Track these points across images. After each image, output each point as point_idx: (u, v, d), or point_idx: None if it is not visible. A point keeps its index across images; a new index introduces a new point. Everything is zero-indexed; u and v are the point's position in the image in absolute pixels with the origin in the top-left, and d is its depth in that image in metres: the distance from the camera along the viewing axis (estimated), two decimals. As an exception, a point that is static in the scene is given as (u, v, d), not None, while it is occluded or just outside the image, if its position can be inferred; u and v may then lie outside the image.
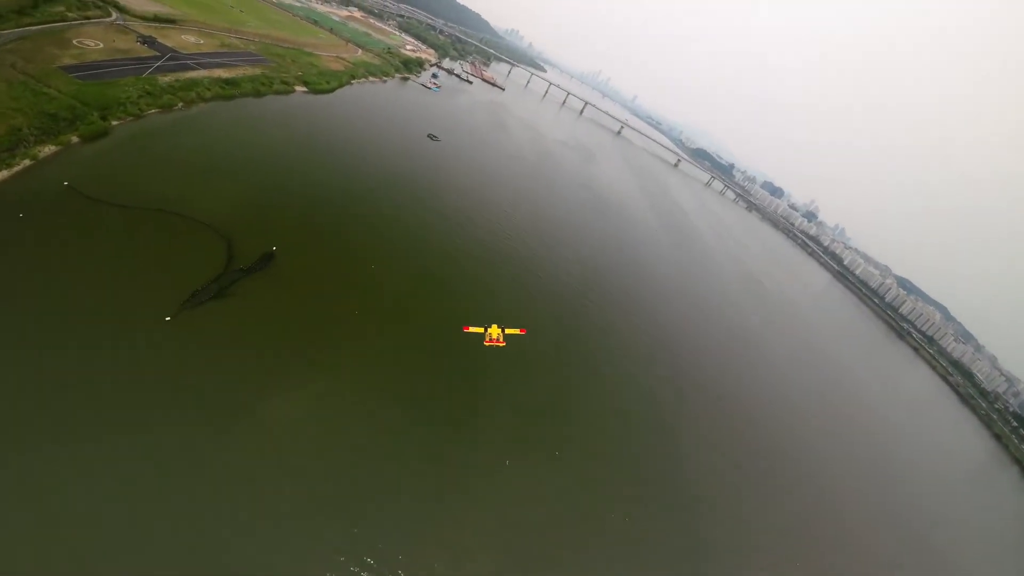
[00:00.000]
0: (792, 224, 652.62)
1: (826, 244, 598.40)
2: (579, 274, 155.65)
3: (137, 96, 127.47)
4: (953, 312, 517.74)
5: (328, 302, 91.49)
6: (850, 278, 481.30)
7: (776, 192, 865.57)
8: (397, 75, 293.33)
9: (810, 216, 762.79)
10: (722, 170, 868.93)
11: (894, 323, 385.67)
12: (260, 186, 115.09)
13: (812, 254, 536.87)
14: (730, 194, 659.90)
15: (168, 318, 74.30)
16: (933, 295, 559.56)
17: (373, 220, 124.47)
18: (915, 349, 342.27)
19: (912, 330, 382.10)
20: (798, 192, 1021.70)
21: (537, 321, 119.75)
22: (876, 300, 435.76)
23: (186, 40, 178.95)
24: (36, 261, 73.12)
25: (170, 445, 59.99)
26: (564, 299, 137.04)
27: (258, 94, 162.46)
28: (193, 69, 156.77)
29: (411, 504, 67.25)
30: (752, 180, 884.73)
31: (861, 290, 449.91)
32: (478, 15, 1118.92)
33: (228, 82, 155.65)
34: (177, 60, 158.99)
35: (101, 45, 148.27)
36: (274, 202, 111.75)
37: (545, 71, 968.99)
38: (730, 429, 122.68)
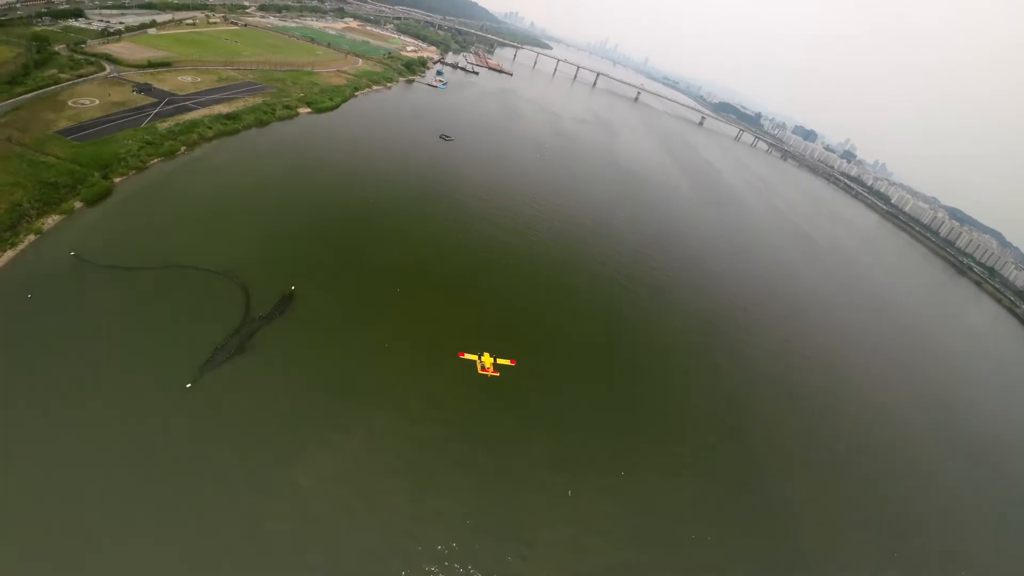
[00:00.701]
0: (831, 167, 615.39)
1: (869, 184, 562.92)
2: (621, 265, 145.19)
3: (138, 148, 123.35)
4: (1009, 237, 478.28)
5: (353, 339, 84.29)
6: (901, 217, 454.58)
7: (809, 136, 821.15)
8: (401, 79, 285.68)
9: (848, 156, 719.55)
10: (749, 121, 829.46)
11: (953, 258, 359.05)
12: (271, 222, 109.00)
13: (857, 196, 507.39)
14: (762, 145, 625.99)
15: (188, 385, 68.58)
16: (985, 222, 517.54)
17: (392, 239, 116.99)
18: (978, 284, 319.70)
19: (972, 264, 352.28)
20: (832, 133, 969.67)
21: (578, 329, 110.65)
22: (930, 236, 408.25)
23: (183, 81, 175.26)
24: (48, 341, 68.63)
25: (195, 528, 53.80)
26: (608, 296, 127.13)
27: (262, 123, 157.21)
28: (192, 110, 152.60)
29: (470, 569, 59.29)
30: (782, 127, 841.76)
31: (914, 228, 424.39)
32: (475, 3, 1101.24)
33: (229, 117, 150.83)
34: (175, 103, 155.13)
35: (97, 102, 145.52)
36: (287, 236, 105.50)
37: (551, 48, 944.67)
38: (809, 420, 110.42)
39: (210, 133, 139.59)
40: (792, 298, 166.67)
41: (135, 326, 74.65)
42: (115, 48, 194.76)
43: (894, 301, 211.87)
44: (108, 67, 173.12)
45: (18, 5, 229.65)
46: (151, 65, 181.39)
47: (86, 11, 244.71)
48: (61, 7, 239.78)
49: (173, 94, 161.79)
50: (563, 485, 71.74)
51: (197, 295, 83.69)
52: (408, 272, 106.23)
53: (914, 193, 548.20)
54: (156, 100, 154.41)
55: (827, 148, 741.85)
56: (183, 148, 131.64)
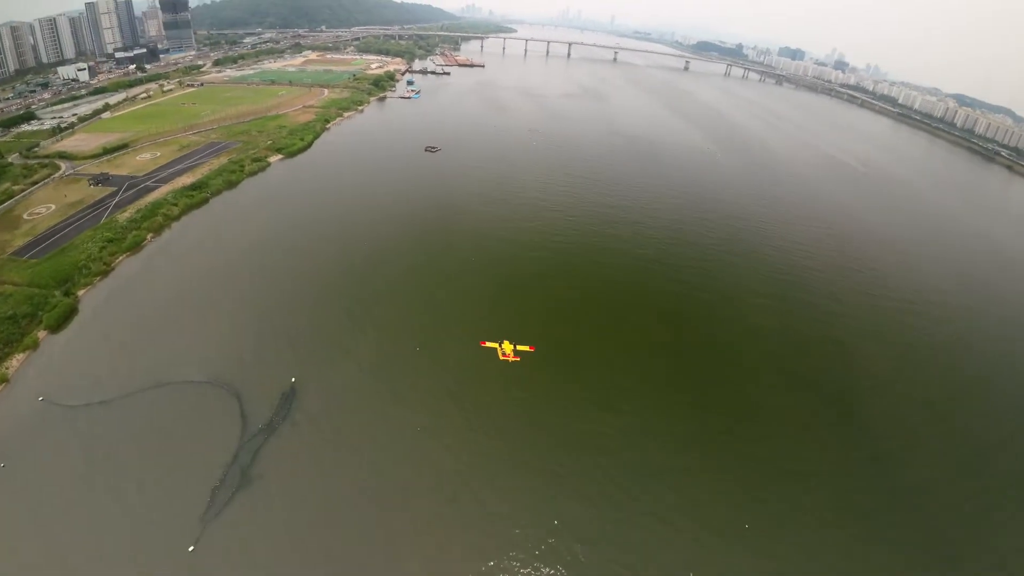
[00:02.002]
0: (829, 81, 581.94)
1: (871, 89, 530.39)
2: (662, 244, 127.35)
3: (99, 249, 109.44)
4: (1020, 112, 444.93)
5: (376, 434, 67.53)
6: (914, 116, 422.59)
7: (797, 55, 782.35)
8: (372, 98, 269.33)
9: (840, 66, 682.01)
10: (733, 54, 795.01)
11: (977, 146, 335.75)
12: (256, 302, 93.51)
13: (864, 104, 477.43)
14: (753, 75, 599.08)
15: (191, 548, 53.34)
16: (992, 101, 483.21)
17: (394, 286, 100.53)
18: (1008, 167, 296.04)
19: (998, 147, 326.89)
20: (817, 48, 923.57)
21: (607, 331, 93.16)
22: (947, 129, 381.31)
23: (141, 160, 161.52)
24: (23, 516, 56.25)
25: None
26: (666, 286, 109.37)
27: (231, 184, 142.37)
28: (154, 189, 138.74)
29: None
30: (767, 52, 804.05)
31: (930, 124, 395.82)
32: (429, 5, 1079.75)
33: (195, 187, 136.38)
34: (135, 186, 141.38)
35: (53, 207, 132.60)
36: (278, 316, 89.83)
37: (515, 31, 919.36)
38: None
39: (176, 211, 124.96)
40: (852, 237, 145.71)
41: (120, 475, 60.95)
42: (69, 143, 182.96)
43: (948, 209, 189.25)
44: (63, 165, 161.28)
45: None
46: (107, 152, 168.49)
47: (38, 112, 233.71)
48: (12, 114, 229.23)
49: (133, 177, 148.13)
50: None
51: (185, 416, 68.87)
52: (423, 323, 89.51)
53: (916, 88, 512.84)
54: (115, 188, 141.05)
55: (818, 63, 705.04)
56: (149, 236, 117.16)
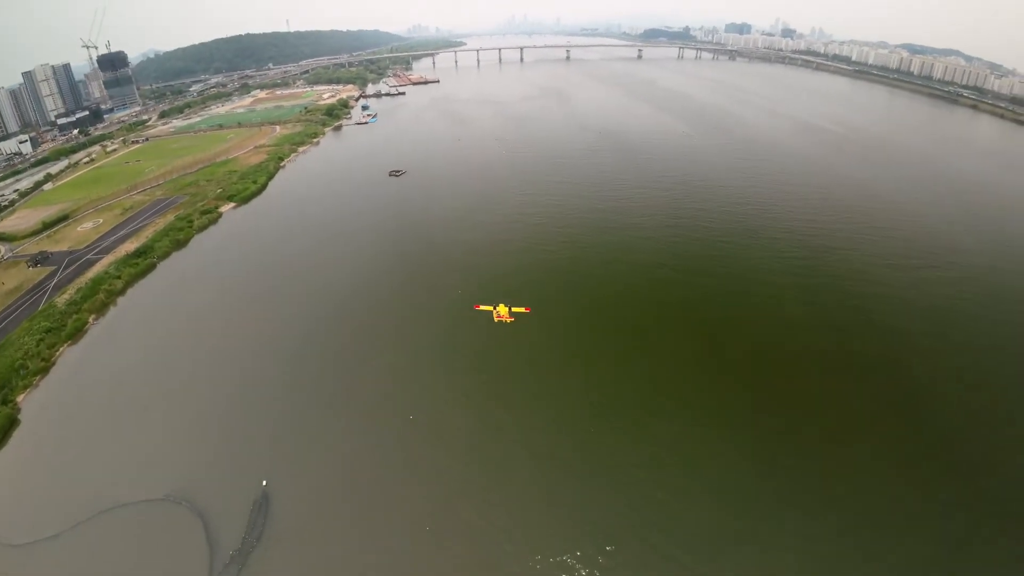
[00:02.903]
0: (780, 50, 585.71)
1: (823, 51, 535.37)
2: (664, 240, 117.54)
3: (37, 343, 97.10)
4: (966, 52, 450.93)
5: (370, 535, 56.01)
6: (872, 71, 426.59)
7: (743, 29, 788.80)
8: (327, 128, 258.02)
9: (787, 34, 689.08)
10: (681, 37, 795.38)
11: (939, 91, 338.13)
12: (214, 386, 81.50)
13: (819, 67, 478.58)
14: (706, 55, 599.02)
15: None
16: (939, 46, 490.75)
17: (372, 340, 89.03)
18: (973, 107, 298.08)
19: (958, 89, 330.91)
20: (760, 18, 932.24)
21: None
22: (905, 79, 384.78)
23: (83, 231, 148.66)
24: None
25: None
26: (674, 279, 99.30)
27: (180, 244, 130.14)
28: (96, 261, 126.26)
29: None
30: (714, 31, 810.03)
31: (887, 77, 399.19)
32: (376, 30, 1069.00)
33: (139, 253, 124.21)
34: (77, 261, 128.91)
35: None
36: (239, 399, 77.89)
37: (466, 44, 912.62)
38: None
39: (120, 283, 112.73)
40: (856, 204, 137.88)
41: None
42: (8, 223, 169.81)
43: (933, 157, 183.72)
44: (2, 249, 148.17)
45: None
46: (47, 227, 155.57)
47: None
48: None
49: (73, 251, 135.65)
50: None
51: (143, 547, 57.31)
52: (412, 385, 77.76)
53: (866, 44, 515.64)
54: (55, 267, 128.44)
55: (765, 34, 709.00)
56: (91, 319, 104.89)
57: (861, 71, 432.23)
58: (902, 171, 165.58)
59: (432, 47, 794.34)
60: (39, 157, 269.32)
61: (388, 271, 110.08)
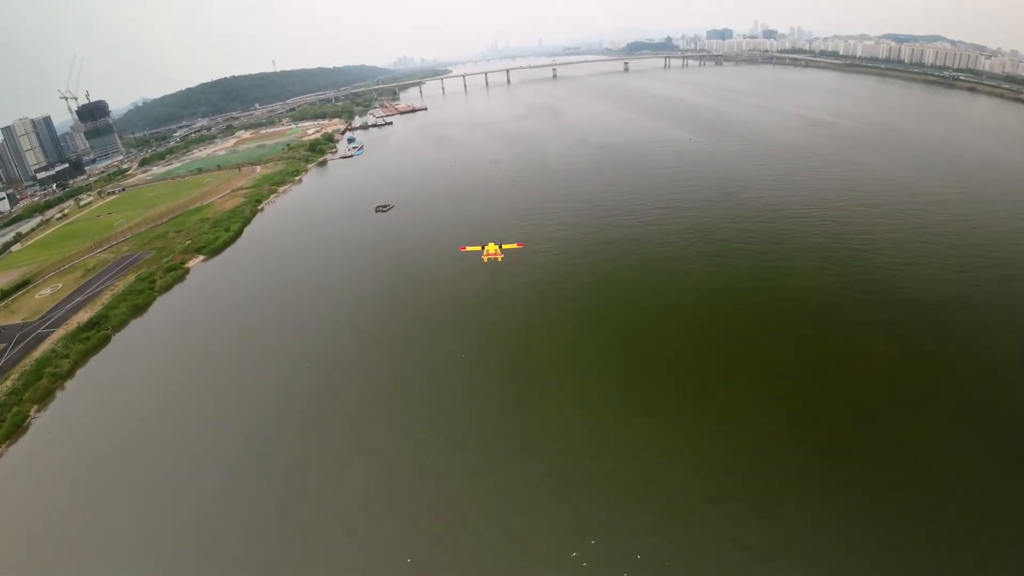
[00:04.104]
0: (766, 51, 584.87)
1: (808, 48, 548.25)
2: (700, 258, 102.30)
3: None
4: (949, 36, 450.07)
5: None
6: (861, 63, 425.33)
7: (725, 34, 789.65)
8: (311, 164, 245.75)
9: (769, 35, 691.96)
10: (664, 48, 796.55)
11: (933, 77, 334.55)
12: (174, 492, 65.69)
13: (808, 64, 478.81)
14: (692, 62, 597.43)
15: None
16: (923, 32, 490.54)
17: (360, 425, 73.30)
18: (971, 89, 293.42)
19: (953, 73, 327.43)
20: (737, 22, 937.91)
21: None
22: (895, 68, 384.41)
23: (40, 298, 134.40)
24: None
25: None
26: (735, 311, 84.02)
27: (138, 309, 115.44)
28: (47, 336, 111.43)
29: None
30: (696, 38, 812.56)
31: (877, 68, 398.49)
32: (362, 65, 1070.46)
33: (92, 324, 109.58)
34: (27, 336, 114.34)
35: None
36: (202, 508, 62.31)
37: (451, 71, 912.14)
38: None
39: (67, 364, 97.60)
40: (889, 198, 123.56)
41: None
42: None
43: (947, 143, 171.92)
44: None
45: None
46: (4, 295, 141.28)
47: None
48: None
49: (26, 324, 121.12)
50: None
51: None
52: (411, 504, 62.01)
53: (851, 37, 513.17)
54: (3, 345, 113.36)
55: (747, 37, 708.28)
56: (33, 410, 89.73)
57: (850, 64, 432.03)
58: (918, 157, 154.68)
59: (418, 77, 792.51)
60: (13, 215, 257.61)
61: (373, 330, 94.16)
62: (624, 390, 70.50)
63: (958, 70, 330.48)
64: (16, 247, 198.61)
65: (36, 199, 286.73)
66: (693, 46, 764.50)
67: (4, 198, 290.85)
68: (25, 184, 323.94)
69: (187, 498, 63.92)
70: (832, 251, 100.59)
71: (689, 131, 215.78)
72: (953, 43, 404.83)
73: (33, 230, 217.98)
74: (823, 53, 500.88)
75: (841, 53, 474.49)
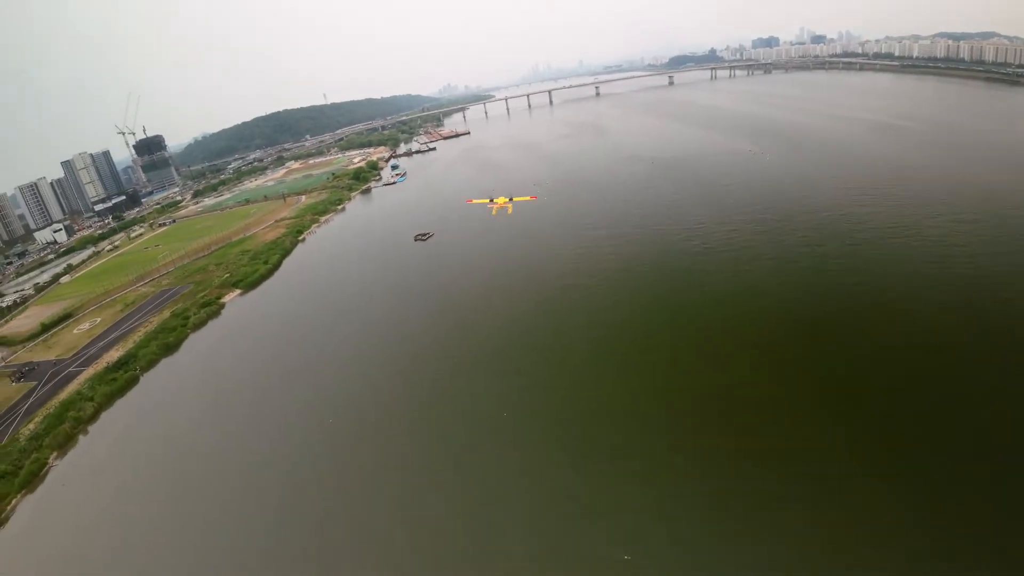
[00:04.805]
0: (816, 56, 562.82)
1: (860, 51, 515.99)
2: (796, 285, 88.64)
3: None
4: (1003, 32, 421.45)
5: None
6: (918, 64, 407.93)
7: (771, 42, 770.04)
8: (354, 193, 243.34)
9: (818, 40, 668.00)
10: (708, 60, 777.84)
11: (996, 74, 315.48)
12: (196, 549, 57.92)
13: (863, 67, 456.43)
14: (740, 72, 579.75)
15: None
16: (973, 30, 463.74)
17: (387, 474, 64.14)
18: None
19: (1016, 70, 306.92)
20: (783, 31, 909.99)
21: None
22: (954, 67, 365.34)
23: (78, 334, 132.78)
24: None
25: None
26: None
27: (169, 348, 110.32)
28: (77, 375, 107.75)
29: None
30: (741, 49, 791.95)
31: (936, 67, 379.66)
32: (408, 94, 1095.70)
33: (120, 364, 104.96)
34: (59, 374, 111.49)
35: None
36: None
37: (494, 96, 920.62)
38: None
39: (91, 408, 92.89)
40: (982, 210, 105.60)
41: None
42: (15, 323, 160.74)
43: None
44: None
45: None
46: (45, 329, 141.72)
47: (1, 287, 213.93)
48: None
49: (59, 361, 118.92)
50: None
51: None
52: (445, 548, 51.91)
53: (905, 37, 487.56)
54: (35, 384, 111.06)
55: (797, 44, 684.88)
56: (52, 457, 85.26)
57: (907, 65, 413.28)
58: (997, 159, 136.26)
59: (462, 103, 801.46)
60: (68, 246, 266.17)
61: (403, 378, 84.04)
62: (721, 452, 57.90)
63: (1021, 66, 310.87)
64: (65, 279, 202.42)
65: (91, 230, 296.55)
66: (738, 56, 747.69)
67: (61, 229, 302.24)
68: (85, 216, 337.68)
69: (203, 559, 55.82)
70: (944, 283, 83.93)
71: (747, 141, 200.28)
72: (1009, 39, 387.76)
73: (83, 262, 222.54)
74: (877, 55, 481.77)
75: (896, 54, 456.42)
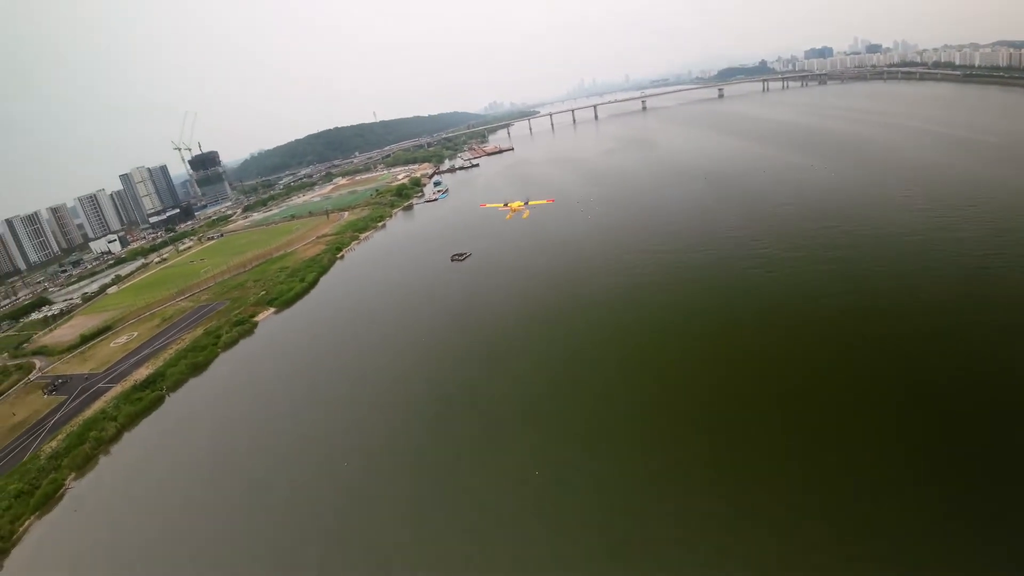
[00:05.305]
0: (873, 66, 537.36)
1: (919, 61, 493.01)
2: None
3: (5, 508, 76.62)
4: None
5: None
6: (979, 73, 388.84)
7: (825, 52, 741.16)
8: (395, 209, 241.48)
9: (873, 49, 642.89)
10: (758, 72, 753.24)
11: None
12: None
13: (922, 77, 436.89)
14: (793, 83, 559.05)
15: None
16: None
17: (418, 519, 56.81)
18: None
19: None
20: (836, 41, 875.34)
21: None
22: (1020, 76, 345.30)
23: (114, 347, 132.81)
24: None
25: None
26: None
27: (197, 368, 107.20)
28: (106, 391, 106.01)
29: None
30: (794, 59, 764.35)
31: (1001, 77, 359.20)
32: (454, 112, 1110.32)
33: (148, 383, 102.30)
34: (88, 390, 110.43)
35: None
36: None
37: (539, 112, 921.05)
38: None
39: (112, 428, 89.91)
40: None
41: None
42: (58, 333, 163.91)
43: None
44: (38, 363, 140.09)
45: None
46: (85, 340, 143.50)
47: (52, 296, 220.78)
48: (28, 301, 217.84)
49: (91, 375, 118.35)
50: None
51: None
52: None
53: (962, 46, 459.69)
54: (65, 398, 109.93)
55: (853, 54, 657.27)
56: (70, 478, 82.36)
57: (969, 75, 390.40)
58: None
59: (506, 119, 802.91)
60: (119, 257, 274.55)
61: (432, 413, 77.13)
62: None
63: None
64: (112, 289, 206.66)
65: (143, 242, 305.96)
66: (790, 67, 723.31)
67: (115, 240, 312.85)
68: (141, 227, 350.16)
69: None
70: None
71: (806, 156, 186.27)
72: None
73: (131, 273, 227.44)
74: (936, 64, 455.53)
75: (958, 63, 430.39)
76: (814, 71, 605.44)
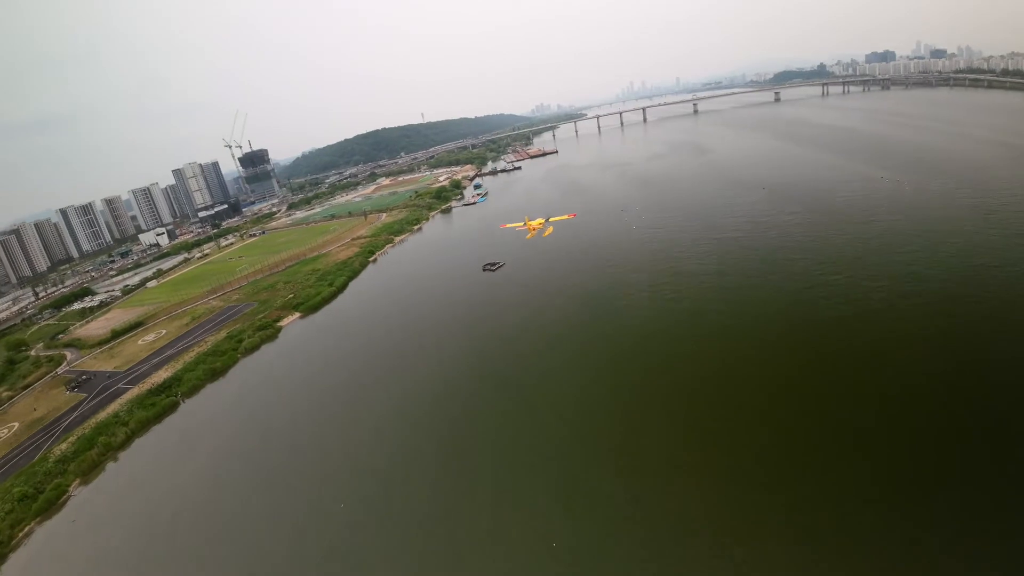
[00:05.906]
0: (939, 72, 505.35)
1: (986, 66, 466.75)
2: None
3: (7, 512, 75.34)
4: None
5: None
6: None
7: (887, 56, 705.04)
8: (434, 212, 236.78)
9: (938, 55, 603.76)
10: (817, 75, 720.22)
11: None
12: None
13: (991, 85, 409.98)
14: (854, 88, 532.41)
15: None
16: None
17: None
18: None
19: None
20: (898, 45, 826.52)
21: None
22: None
23: (142, 344, 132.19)
24: None
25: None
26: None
27: (215, 373, 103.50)
28: (123, 393, 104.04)
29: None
30: (854, 63, 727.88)
31: None
32: (500, 114, 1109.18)
33: (164, 387, 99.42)
34: (109, 389, 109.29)
35: (16, 426, 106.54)
36: None
37: (586, 115, 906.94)
38: None
39: (123, 434, 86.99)
40: None
41: None
42: (93, 325, 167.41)
43: None
44: (69, 356, 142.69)
45: (29, 308, 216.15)
46: (115, 335, 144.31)
47: (95, 286, 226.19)
48: (72, 290, 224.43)
49: (113, 374, 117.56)
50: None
51: None
52: None
53: None
54: (84, 396, 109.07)
55: (917, 58, 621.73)
56: (74, 484, 79.25)
57: None
58: None
59: (553, 122, 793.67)
60: (163, 251, 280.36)
61: (453, 435, 70.47)
62: None
63: None
64: (152, 283, 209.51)
65: (190, 236, 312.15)
66: (851, 71, 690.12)
67: (163, 233, 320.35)
68: (190, 221, 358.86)
69: None
70: None
71: (875, 166, 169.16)
72: None
73: (173, 267, 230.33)
74: (1005, 72, 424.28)
75: None
76: (876, 76, 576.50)
